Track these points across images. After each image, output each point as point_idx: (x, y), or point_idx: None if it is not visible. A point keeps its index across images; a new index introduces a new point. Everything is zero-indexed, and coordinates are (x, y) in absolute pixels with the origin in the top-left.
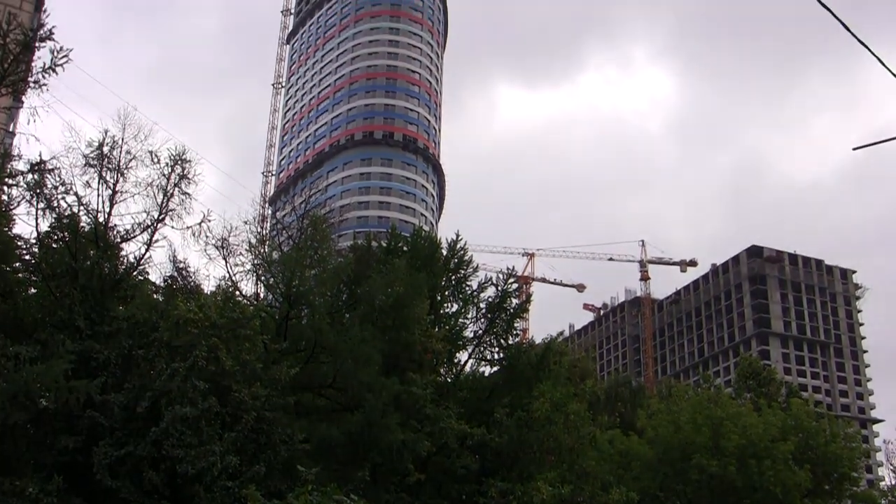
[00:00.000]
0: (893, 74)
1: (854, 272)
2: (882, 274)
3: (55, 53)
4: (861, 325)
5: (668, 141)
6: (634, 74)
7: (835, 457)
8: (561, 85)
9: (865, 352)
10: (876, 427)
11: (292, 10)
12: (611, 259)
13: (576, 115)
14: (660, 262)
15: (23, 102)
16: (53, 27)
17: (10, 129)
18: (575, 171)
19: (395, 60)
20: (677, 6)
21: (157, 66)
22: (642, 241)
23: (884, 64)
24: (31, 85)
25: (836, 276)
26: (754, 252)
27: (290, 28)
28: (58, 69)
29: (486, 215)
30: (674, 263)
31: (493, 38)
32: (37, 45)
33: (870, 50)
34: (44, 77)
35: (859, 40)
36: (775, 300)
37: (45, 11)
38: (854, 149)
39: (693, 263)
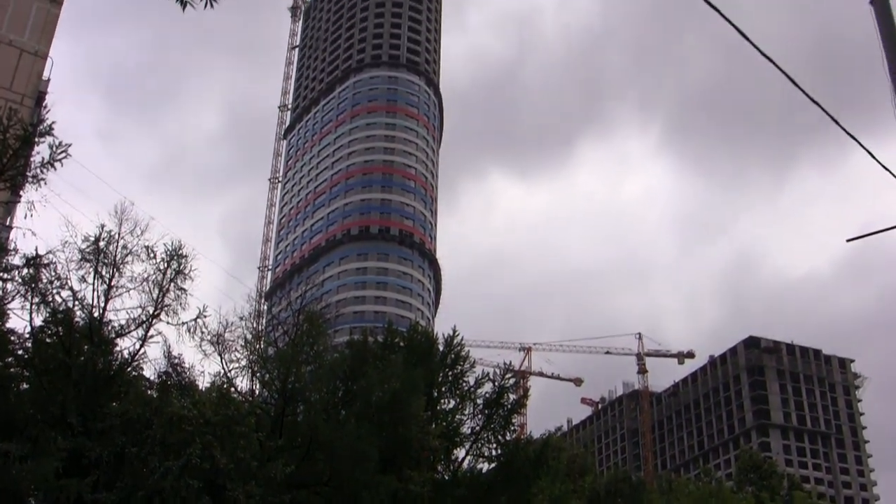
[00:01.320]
0: (884, 167)
1: (852, 361)
2: (879, 363)
3: (54, 148)
4: (861, 414)
5: (664, 234)
6: (630, 170)
7: None
8: (557, 180)
9: (867, 441)
10: None
11: (290, 106)
12: (608, 352)
13: (573, 209)
14: (657, 354)
15: (20, 197)
16: (54, 122)
17: (7, 223)
18: (572, 265)
19: (391, 155)
20: (671, 103)
21: (157, 162)
22: (639, 333)
23: (873, 156)
24: (30, 179)
25: (834, 366)
26: (752, 343)
27: (288, 123)
28: (57, 164)
29: (483, 309)
30: (671, 356)
31: (488, 133)
32: (37, 139)
33: (859, 143)
34: (42, 172)
35: (849, 133)
36: (774, 391)
37: (45, 107)
38: (848, 240)
39: (691, 355)
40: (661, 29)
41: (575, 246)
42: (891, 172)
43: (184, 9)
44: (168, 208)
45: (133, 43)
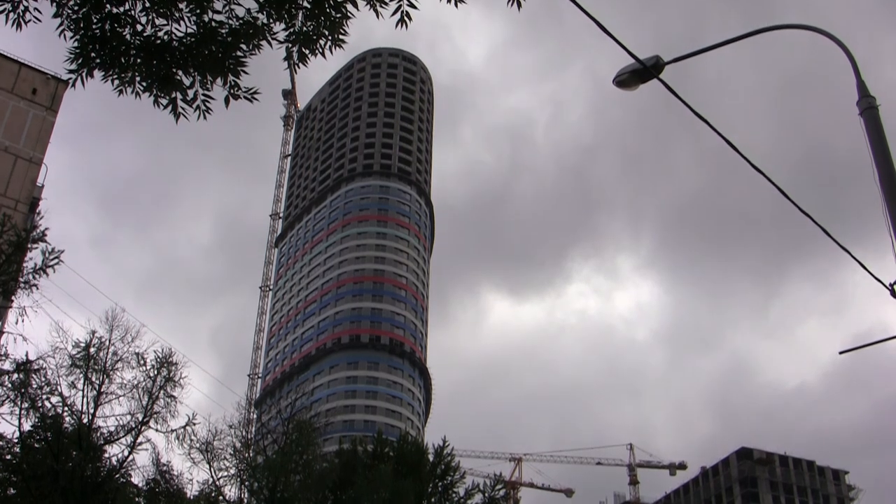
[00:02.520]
0: (876, 278)
1: (847, 473)
2: (873, 475)
3: (47, 255)
4: None
5: (655, 347)
6: (621, 284)
7: None
8: (548, 294)
9: None
10: None
11: (281, 214)
12: (599, 463)
13: (564, 322)
14: (649, 465)
15: (12, 302)
16: (47, 229)
17: None
18: (563, 377)
19: (381, 264)
20: (661, 215)
21: (149, 271)
22: (630, 444)
23: (865, 268)
24: (22, 285)
25: (828, 478)
26: (744, 454)
27: (279, 232)
28: (49, 270)
29: (474, 420)
30: (663, 467)
31: (479, 245)
32: (30, 245)
33: (851, 255)
34: (34, 278)
35: (841, 246)
36: (767, 502)
37: (39, 213)
38: (841, 352)
39: (682, 466)
40: (651, 140)
41: (566, 358)
42: (882, 283)
43: (177, 120)
44: (160, 317)
45: (128, 151)
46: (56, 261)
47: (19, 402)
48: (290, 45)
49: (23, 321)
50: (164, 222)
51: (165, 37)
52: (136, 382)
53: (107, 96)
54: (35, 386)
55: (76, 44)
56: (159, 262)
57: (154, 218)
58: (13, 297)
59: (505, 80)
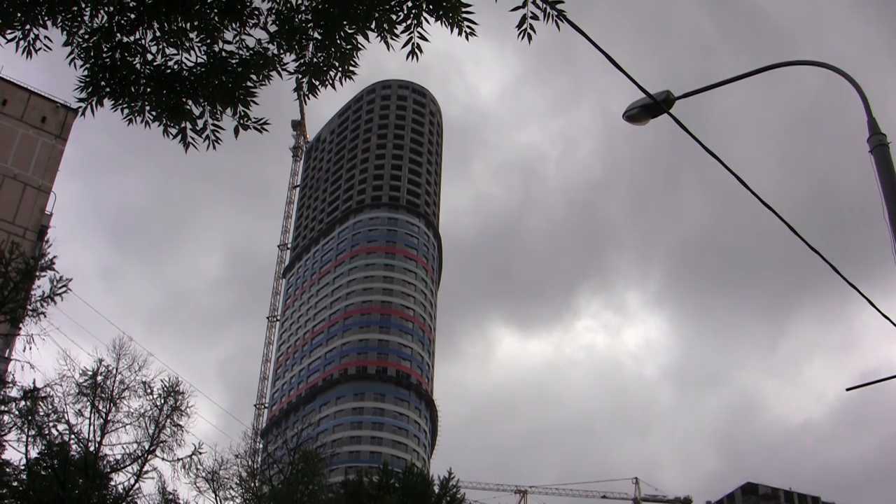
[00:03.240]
0: (885, 316)
1: None
2: None
3: (55, 283)
4: None
5: (663, 382)
6: (629, 320)
7: None
8: (557, 329)
9: None
10: None
11: (289, 245)
12: (604, 496)
13: (572, 358)
14: (654, 499)
15: (20, 329)
16: (55, 257)
17: (6, 355)
18: (570, 411)
19: (389, 296)
20: (669, 252)
21: (158, 303)
22: (636, 478)
23: (874, 305)
24: (30, 313)
25: None
26: (749, 489)
27: (287, 262)
28: (57, 298)
29: (480, 452)
30: (668, 501)
31: (489, 280)
32: (38, 273)
33: (860, 292)
34: (42, 305)
35: (849, 282)
36: None
37: (47, 241)
38: (848, 389)
39: (688, 501)
40: (660, 178)
41: (573, 393)
42: (891, 321)
43: (186, 149)
44: (168, 349)
45: (138, 183)
46: (64, 289)
47: (26, 430)
48: (300, 76)
49: (30, 349)
50: (173, 254)
51: (175, 66)
52: (142, 411)
53: (117, 127)
54: (42, 413)
55: (86, 72)
56: (168, 294)
57: (163, 250)
58: (21, 325)
59: (516, 116)
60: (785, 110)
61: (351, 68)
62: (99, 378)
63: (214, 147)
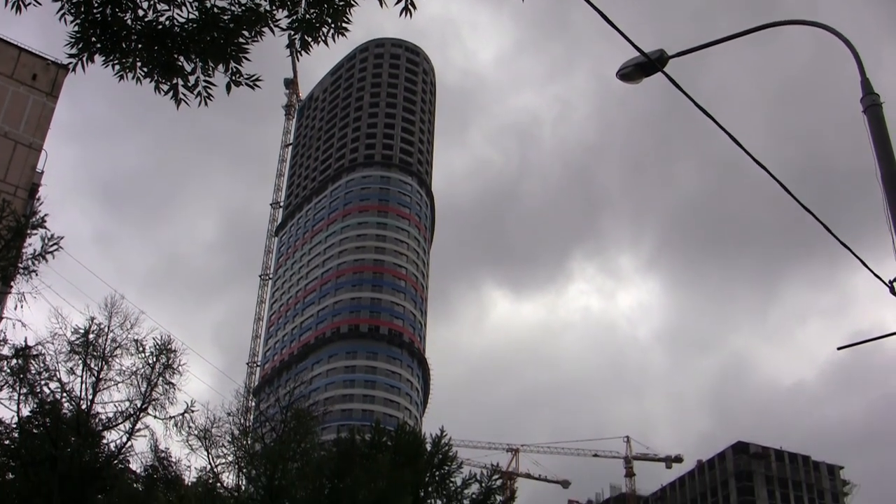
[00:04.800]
0: (875, 275)
1: (841, 468)
2: (868, 471)
3: (46, 241)
4: None
5: (655, 345)
6: (623, 284)
7: None
8: (551, 292)
9: None
10: None
11: (282, 203)
12: (595, 455)
13: (566, 321)
14: (645, 458)
15: (11, 287)
16: (46, 215)
17: None
18: (563, 372)
19: (381, 255)
20: (662, 217)
21: (152, 267)
22: (627, 437)
23: (865, 264)
24: (21, 271)
25: (823, 473)
26: (740, 448)
27: (279, 221)
28: (48, 256)
29: (472, 412)
30: (659, 460)
31: (483, 243)
32: (29, 231)
33: (851, 250)
34: (34, 263)
35: (841, 241)
36: (762, 497)
37: (38, 199)
38: (839, 348)
39: (679, 460)
40: (655, 142)
41: (567, 355)
42: (882, 280)
43: (178, 106)
44: (163, 312)
45: (131, 147)
46: (55, 247)
47: (18, 388)
48: (292, 33)
49: (22, 307)
50: (167, 218)
51: (167, 22)
52: (134, 369)
53: (111, 92)
54: (34, 371)
55: (76, 28)
56: (162, 257)
57: (157, 214)
58: (12, 283)
59: (513, 82)
60: (777, 75)
61: (344, 25)
62: (91, 336)
63: (206, 103)
